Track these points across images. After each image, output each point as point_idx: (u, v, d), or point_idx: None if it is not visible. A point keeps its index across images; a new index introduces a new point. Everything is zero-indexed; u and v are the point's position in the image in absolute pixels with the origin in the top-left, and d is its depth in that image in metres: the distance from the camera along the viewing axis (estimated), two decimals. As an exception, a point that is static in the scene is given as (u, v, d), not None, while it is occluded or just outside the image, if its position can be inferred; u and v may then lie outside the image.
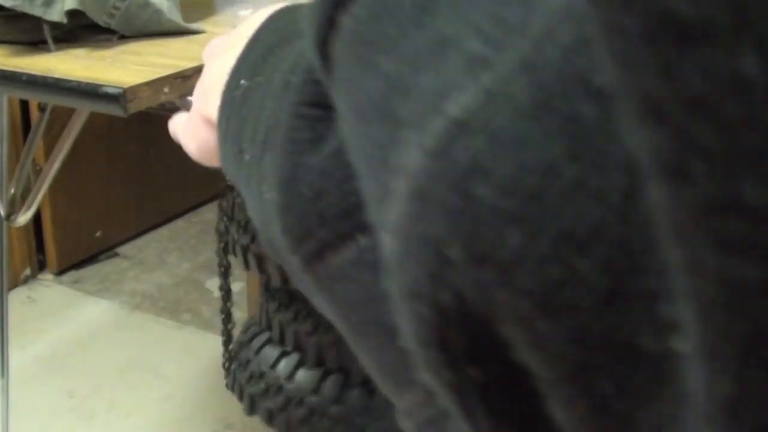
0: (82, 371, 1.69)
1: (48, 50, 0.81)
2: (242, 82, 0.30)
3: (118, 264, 2.11)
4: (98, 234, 2.11)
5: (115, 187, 2.13)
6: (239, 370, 0.85)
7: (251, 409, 0.82)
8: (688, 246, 0.13)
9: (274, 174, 0.25)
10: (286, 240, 0.25)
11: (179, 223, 2.30)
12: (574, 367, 0.16)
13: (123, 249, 2.17)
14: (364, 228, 0.23)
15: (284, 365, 0.80)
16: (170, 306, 1.93)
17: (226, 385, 0.91)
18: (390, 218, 0.19)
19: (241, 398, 0.84)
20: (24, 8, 0.79)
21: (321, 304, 0.25)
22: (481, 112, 0.16)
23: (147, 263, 2.11)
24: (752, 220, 0.12)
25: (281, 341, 0.80)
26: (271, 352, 0.82)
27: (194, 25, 0.89)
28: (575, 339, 0.15)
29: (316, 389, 0.78)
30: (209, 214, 2.32)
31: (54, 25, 0.81)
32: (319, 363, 0.78)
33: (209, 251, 2.14)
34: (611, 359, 0.15)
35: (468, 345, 0.18)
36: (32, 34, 0.82)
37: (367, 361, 0.24)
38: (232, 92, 0.30)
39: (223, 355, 0.96)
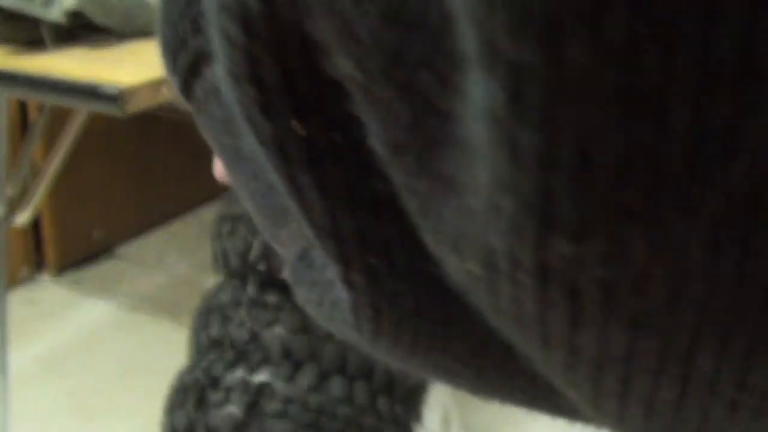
0: (82, 372, 1.69)
1: (46, 50, 0.81)
2: None
3: (116, 264, 2.11)
4: (97, 235, 2.11)
5: (113, 187, 2.13)
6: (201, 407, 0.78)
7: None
8: None
9: None
10: (166, 61, 0.23)
11: (178, 224, 2.30)
12: (391, 59, 0.14)
13: (122, 249, 2.17)
14: None
15: (274, 371, 0.75)
16: (169, 307, 1.92)
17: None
18: None
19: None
20: (23, 8, 0.78)
21: (205, 135, 0.24)
22: None
23: (146, 264, 2.11)
24: None
25: (260, 349, 0.76)
26: (249, 361, 0.78)
27: (193, 25, 0.88)
28: (387, 21, 0.13)
29: (319, 388, 0.74)
30: (208, 214, 2.32)
31: (53, 25, 0.80)
32: (317, 362, 0.74)
33: (208, 251, 2.14)
34: (427, 43, 0.13)
35: (281, 75, 0.16)
36: (31, 33, 0.82)
37: (247, 201, 0.22)
38: None
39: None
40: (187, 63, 0.22)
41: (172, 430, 0.79)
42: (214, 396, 0.75)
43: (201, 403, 0.76)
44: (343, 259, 0.17)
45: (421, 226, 0.15)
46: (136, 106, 0.70)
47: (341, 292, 0.18)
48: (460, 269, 0.15)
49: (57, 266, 2.03)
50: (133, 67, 0.76)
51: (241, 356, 0.73)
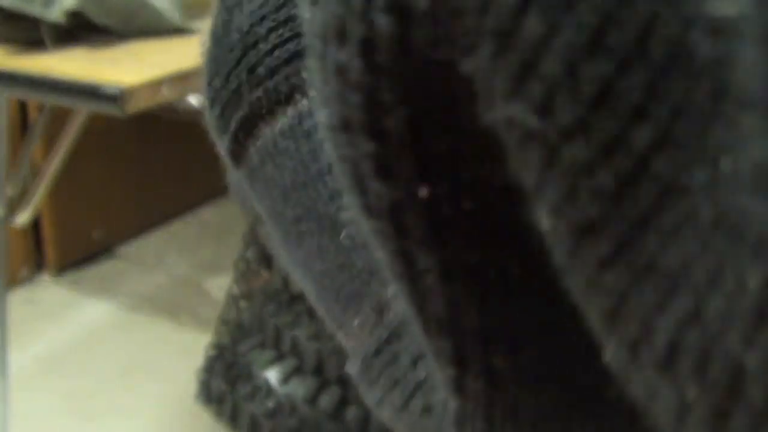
0: (81, 372, 1.69)
1: (46, 50, 0.81)
2: None
3: (116, 265, 2.11)
4: (97, 235, 2.11)
5: (113, 187, 2.13)
6: (217, 377, 0.80)
7: (233, 416, 0.77)
8: None
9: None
10: (213, 117, 0.19)
11: (178, 224, 2.30)
12: (602, 104, 0.10)
13: (122, 249, 2.17)
14: (303, 87, 0.17)
15: (278, 369, 0.76)
16: (169, 307, 1.92)
17: (197, 397, 0.86)
18: None
19: (218, 404, 0.79)
20: (23, 8, 0.78)
21: (258, 206, 0.20)
22: None
23: (146, 264, 2.11)
24: None
25: (275, 345, 0.77)
26: (261, 354, 0.79)
27: (194, 25, 0.88)
28: (600, 49, 0.10)
29: (311, 399, 0.74)
30: (208, 214, 2.32)
31: (53, 25, 0.80)
32: (318, 371, 0.74)
33: (208, 252, 2.14)
34: (675, 79, 0.09)
35: (409, 123, 0.12)
36: (31, 33, 0.82)
37: (306, 281, 0.19)
38: None
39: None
40: (240, 120, 0.18)
41: (209, 390, 0.81)
42: (243, 388, 0.76)
43: (234, 385, 0.77)
44: (458, 360, 0.14)
45: (601, 330, 0.12)
46: (136, 106, 0.70)
47: (443, 398, 0.15)
48: (658, 390, 0.11)
49: (57, 266, 2.02)
50: (134, 67, 0.76)
51: (279, 358, 0.73)
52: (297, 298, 0.78)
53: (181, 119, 1.68)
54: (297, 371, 0.74)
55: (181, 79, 0.75)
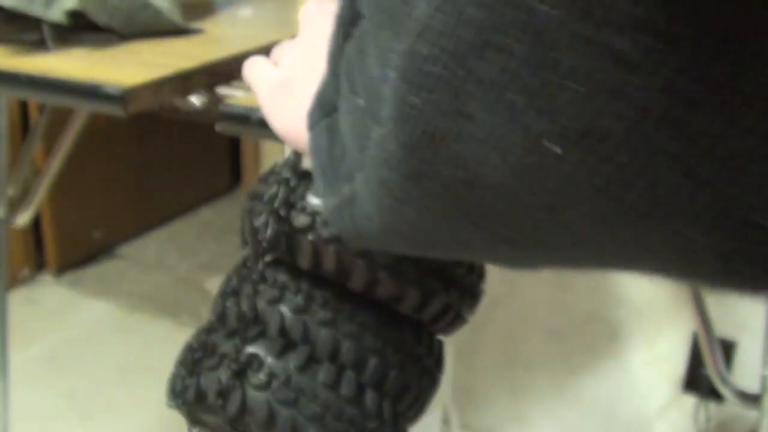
0: (82, 372, 1.69)
1: (48, 50, 0.81)
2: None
3: (117, 265, 2.11)
4: (97, 235, 2.11)
5: (114, 187, 2.13)
6: (181, 365, 0.79)
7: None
8: None
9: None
10: (398, 146, 0.22)
11: (178, 224, 2.30)
12: None
13: (122, 249, 2.17)
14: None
15: (295, 357, 0.76)
16: (169, 307, 1.92)
17: (172, 392, 0.84)
18: None
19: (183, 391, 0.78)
20: (24, 8, 0.79)
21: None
22: None
23: (146, 264, 2.11)
24: None
25: (282, 334, 0.77)
26: (272, 344, 0.79)
27: (194, 25, 0.89)
28: None
29: (333, 386, 0.74)
30: (208, 214, 2.32)
31: (54, 25, 0.81)
32: (333, 358, 0.74)
33: (208, 252, 2.14)
34: None
35: None
36: (32, 34, 0.82)
37: None
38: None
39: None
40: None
41: (171, 390, 0.81)
42: (209, 362, 0.76)
43: (195, 367, 0.77)
44: None
45: None
46: (137, 106, 0.70)
47: None
48: None
49: (57, 266, 2.03)
50: (135, 67, 0.76)
51: (240, 328, 0.74)
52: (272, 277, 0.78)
53: (182, 119, 1.68)
54: (288, 347, 0.75)
55: (183, 79, 0.75)
